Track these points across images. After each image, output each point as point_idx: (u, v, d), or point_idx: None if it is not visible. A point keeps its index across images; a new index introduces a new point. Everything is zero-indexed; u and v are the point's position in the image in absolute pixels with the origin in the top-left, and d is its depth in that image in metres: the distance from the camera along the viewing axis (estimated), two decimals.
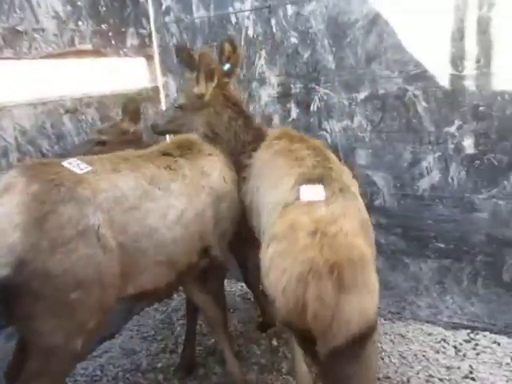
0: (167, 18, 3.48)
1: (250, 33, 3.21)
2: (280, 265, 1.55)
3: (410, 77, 2.83)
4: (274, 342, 3.04)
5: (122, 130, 2.67)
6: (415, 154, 2.93)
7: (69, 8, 2.83)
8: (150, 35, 3.50)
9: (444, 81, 2.75)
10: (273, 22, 3.12)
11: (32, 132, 2.62)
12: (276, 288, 1.54)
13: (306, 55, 3.07)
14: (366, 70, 2.94)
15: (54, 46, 2.73)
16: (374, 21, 2.84)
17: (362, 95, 2.99)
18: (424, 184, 2.94)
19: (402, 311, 3.21)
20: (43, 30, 2.61)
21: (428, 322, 3.12)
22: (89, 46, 2.96)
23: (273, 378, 2.72)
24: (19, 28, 2.55)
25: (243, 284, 3.48)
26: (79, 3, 2.90)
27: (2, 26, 2.48)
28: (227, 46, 2.50)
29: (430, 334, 3.01)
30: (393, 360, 2.79)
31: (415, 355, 2.82)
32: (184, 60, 2.66)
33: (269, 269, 1.60)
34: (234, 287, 3.83)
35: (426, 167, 2.91)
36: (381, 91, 2.92)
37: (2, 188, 1.70)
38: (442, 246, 2.97)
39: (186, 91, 2.63)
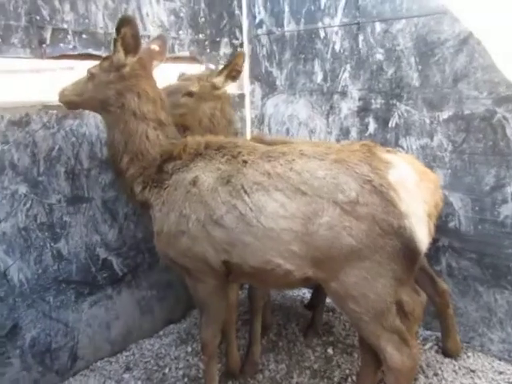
0: (259, 31, 3.70)
1: (337, 47, 3.31)
2: None
3: (501, 98, 2.72)
4: (330, 351, 3.07)
5: (213, 84, 2.73)
6: (499, 179, 2.80)
7: (172, 18, 3.16)
8: (241, 45, 3.75)
9: None
10: (360, 38, 3.19)
11: None
12: None
13: (391, 72, 3.10)
14: (453, 90, 2.89)
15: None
16: (466, 40, 2.79)
17: (445, 114, 2.94)
18: (506, 210, 2.80)
19: (470, 341, 3.07)
20: (149, 37, 2.95)
21: (500, 358, 2.94)
22: (186, 53, 3.27)
23: None
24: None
25: (303, 289, 3.54)
26: (182, 14, 3.22)
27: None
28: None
29: (501, 373, 2.81)
30: None
31: None
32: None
33: None
34: (297, 292, 3.91)
35: (511, 193, 2.79)
36: (466, 112, 2.85)
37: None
38: None
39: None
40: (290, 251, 1.97)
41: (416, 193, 1.93)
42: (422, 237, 1.91)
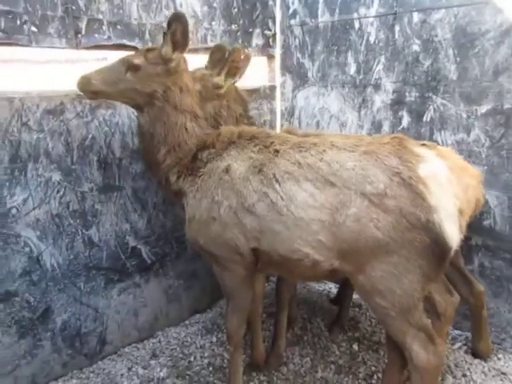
0: (292, 21, 3.65)
1: (372, 39, 3.23)
2: None
3: None
4: (355, 347, 3.04)
5: (215, 84, 2.69)
6: None
7: (205, 8, 3.15)
8: (274, 36, 3.71)
9: None
10: (396, 28, 3.11)
11: None
12: None
13: (427, 64, 3.00)
14: (493, 83, 2.78)
15: (189, 42, 3.04)
16: (508, 31, 2.67)
17: (483, 108, 2.83)
18: None
19: (501, 343, 2.99)
20: None
21: None
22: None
23: (349, 380, 2.74)
24: (164, 25, 2.91)
25: (329, 284, 3.51)
26: (215, 4, 3.21)
27: (149, 22, 2.86)
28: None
29: None
30: None
31: None
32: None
33: None
34: (323, 286, 3.89)
35: None
36: (506, 106, 2.74)
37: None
38: None
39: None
40: (318, 241, 1.97)
41: (447, 188, 1.89)
42: (452, 233, 1.86)
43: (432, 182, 1.85)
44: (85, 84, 2.25)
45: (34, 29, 2.40)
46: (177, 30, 2.19)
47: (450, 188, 1.90)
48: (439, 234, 1.83)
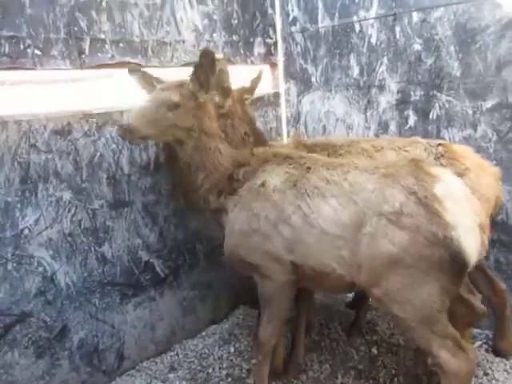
0: (293, 28, 3.67)
1: (373, 40, 3.23)
2: None
3: None
4: (374, 351, 3.01)
5: (217, 104, 2.70)
6: None
7: (206, 22, 3.18)
8: (275, 44, 3.73)
9: None
10: (397, 29, 3.11)
11: None
12: None
13: (430, 62, 3.00)
14: (496, 78, 2.77)
15: (191, 55, 3.08)
16: (508, 25, 2.67)
17: (488, 104, 2.82)
18: None
19: None
20: (183, 42, 2.98)
21: None
22: (220, 56, 3.27)
23: None
24: (165, 40, 2.94)
25: None
26: (215, 17, 3.24)
27: (151, 39, 2.90)
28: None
29: None
30: None
31: None
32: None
33: None
34: None
35: None
36: (511, 99, 2.73)
37: None
38: None
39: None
40: (341, 257, 2.09)
41: (465, 205, 1.97)
42: (471, 248, 1.91)
43: (448, 200, 1.93)
44: (130, 132, 2.29)
45: (37, 52, 2.43)
46: (201, 68, 2.33)
47: (467, 204, 1.97)
48: (457, 250, 1.90)
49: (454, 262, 1.91)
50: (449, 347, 2.01)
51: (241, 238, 2.35)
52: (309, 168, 2.29)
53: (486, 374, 2.72)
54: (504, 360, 2.84)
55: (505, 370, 2.76)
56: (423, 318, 1.99)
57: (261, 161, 2.44)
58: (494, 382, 2.66)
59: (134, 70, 2.67)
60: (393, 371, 2.81)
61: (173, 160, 2.57)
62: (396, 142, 2.69)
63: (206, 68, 2.33)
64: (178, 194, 2.80)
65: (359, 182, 2.11)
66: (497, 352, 2.88)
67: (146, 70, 2.70)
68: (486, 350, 2.94)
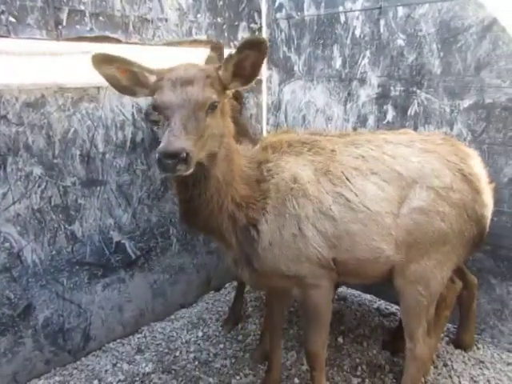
0: (278, 15, 3.63)
1: (357, 33, 3.23)
2: None
3: None
4: (340, 340, 3.07)
5: None
6: None
7: (190, 1, 3.11)
8: (259, 30, 3.69)
9: None
10: (381, 23, 3.11)
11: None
12: None
13: (411, 58, 3.02)
14: (475, 78, 2.81)
15: (174, 34, 3.02)
16: (490, 27, 2.70)
17: (466, 103, 2.86)
18: None
19: (480, 333, 3.04)
20: (166, 20, 2.91)
21: (509, 350, 2.92)
22: (204, 37, 3.22)
23: (333, 372, 2.76)
24: (147, 17, 2.86)
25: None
26: None
27: (133, 14, 2.81)
28: None
29: (509, 364, 2.82)
30: (462, 382, 2.67)
31: (488, 381, 2.67)
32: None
33: None
34: None
35: None
36: (488, 100, 2.78)
37: None
38: None
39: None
40: (390, 235, 2.02)
41: (488, 185, 2.07)
42: (487, 227, 2.03)
43: (483, 179, 2.03)
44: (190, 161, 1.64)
45: (12, 19, 2.33)
46: (248, 58, 1.77)
47: (489, 185, 2.09)
48: (485, 227, 2.00)
49: (477, 238, 1.99)
50: (424, 332, 2.07)
51: (280, 249, 2.02)
52: (333, 150, 2.07)
53: (445, 365, 2.81)
54: (463, 352, 2.93)
55: (463, 362, 2.86)
56: (434, 296, 2.01)
57: (279, 154, 2.09)
58: (452, 372, 2.76)
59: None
60: (357, 360, 2.87)
61: (191, 184, 1.87)
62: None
63: (250, 62, 1.78)
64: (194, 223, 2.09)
65: (401, 154, 2.03)
66: (458, 344, 2.98)
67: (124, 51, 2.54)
68: (447, 343, 3.03)
